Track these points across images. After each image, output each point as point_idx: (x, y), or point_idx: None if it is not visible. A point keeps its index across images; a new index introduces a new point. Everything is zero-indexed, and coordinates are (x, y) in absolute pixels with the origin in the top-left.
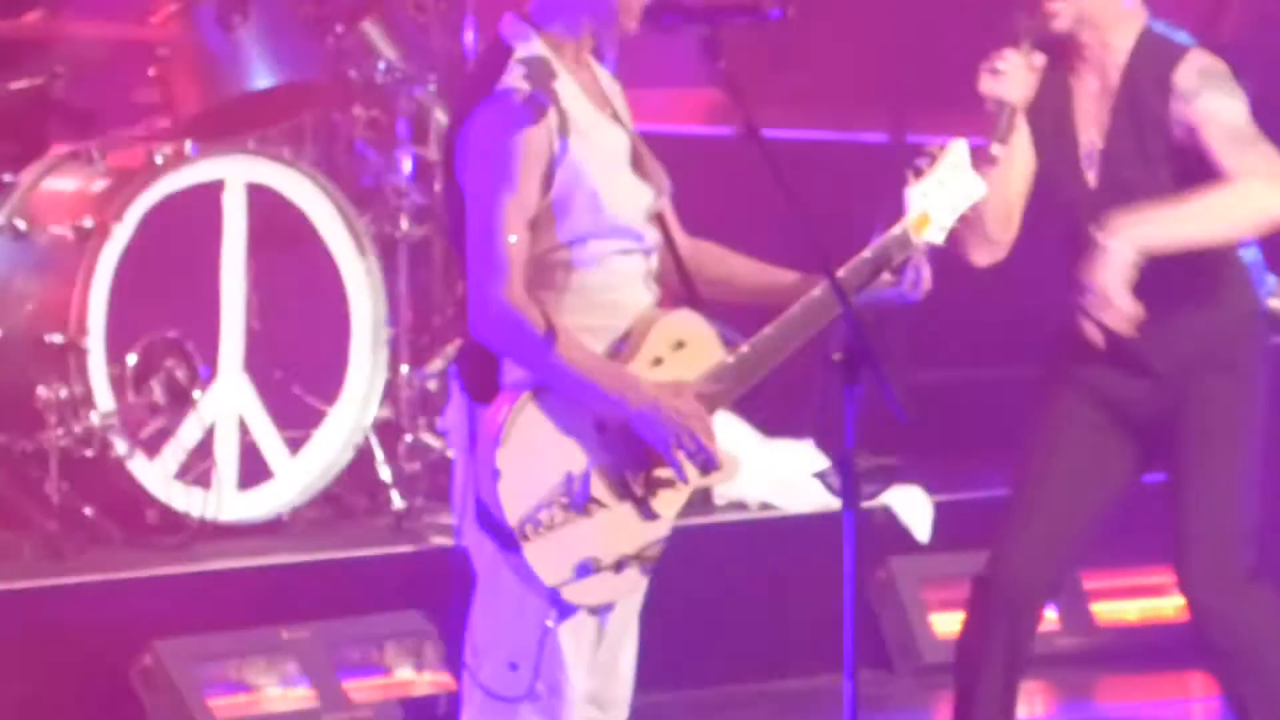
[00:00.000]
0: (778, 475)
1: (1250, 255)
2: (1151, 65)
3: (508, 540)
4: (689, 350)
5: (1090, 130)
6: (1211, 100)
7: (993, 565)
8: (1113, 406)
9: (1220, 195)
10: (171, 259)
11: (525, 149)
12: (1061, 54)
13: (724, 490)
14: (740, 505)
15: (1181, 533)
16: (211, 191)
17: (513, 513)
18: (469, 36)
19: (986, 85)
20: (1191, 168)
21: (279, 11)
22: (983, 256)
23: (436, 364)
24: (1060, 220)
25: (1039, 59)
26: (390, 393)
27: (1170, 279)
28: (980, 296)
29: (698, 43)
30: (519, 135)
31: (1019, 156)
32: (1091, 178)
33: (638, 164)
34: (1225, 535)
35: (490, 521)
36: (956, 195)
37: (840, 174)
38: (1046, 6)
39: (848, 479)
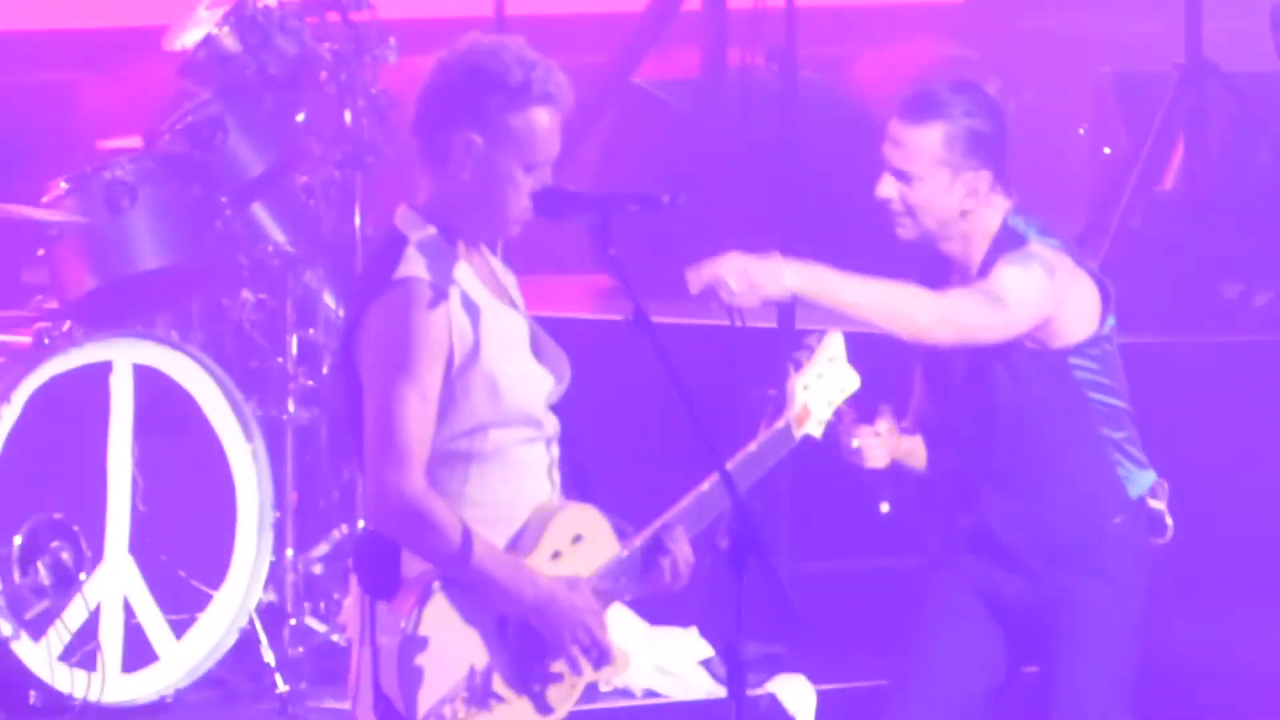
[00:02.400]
0: (663, 664)
1: (1133, 454)
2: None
3: None
4: (586, 544)
5: None
6: (1004, 264)
7: None
8: (991, 600)
9: (911, 293)
10: (58, 441)
11: (425, 337)
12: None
13: (610, 678)
14: (625, 693)
15: None
16: (99, 373)
17: (417, 706)
18: (358, 221)
19: (856, 460)
20: (1043, 364)
21: (167, 195)
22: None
23: (321, 548)
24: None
25: (884, 424)
26: (275, 576)
27: (1039, 477)
28: (865, 486)
29: (588, 230)
30: (418, 323)
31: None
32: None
33: (538, 350)
34: None
35: (392, 715)
36: (833, 389)
37: (730, 361)
38: (895, 221)
39: (733, 667)
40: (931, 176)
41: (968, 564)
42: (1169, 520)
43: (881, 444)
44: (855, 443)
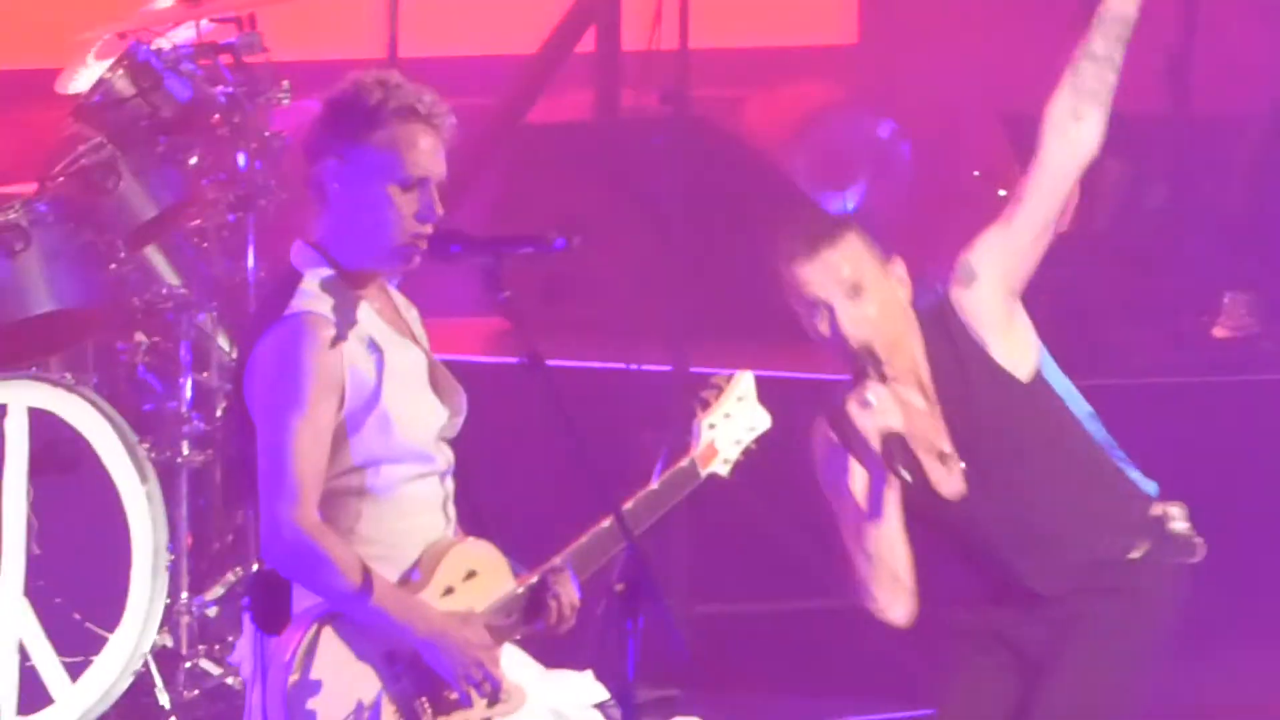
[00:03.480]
0: (557, 706)
1: (1149, 486)
2: (934, 327)
3: None
4: (480, 580)
5: (933, 447)
6: (988, 236)
7: None
8: (1014, 647)
9: None
10: None
11: (317, 371)
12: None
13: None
14: None
15: None
16: None
17: None
18: (251, 263)
19: (864, 421)
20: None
21: (60, 238)
22: (904, 612)
23: (216, 591)
24: (947, 545)
25: (891, 385)
26: (169, 619)
27: (1073, 524)
28: (759, 530)
29: (481, 272)
30: (309, 357)
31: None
32: (957, 488)
33: (435, 384)
34: None
35: None
36: (741, 428)
37: (624, 404)
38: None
39: (628, 711)
40: (875, 277)
41: (987, 619)
42: (1197, 540)
43: (893, 406)
44: (870, 395)
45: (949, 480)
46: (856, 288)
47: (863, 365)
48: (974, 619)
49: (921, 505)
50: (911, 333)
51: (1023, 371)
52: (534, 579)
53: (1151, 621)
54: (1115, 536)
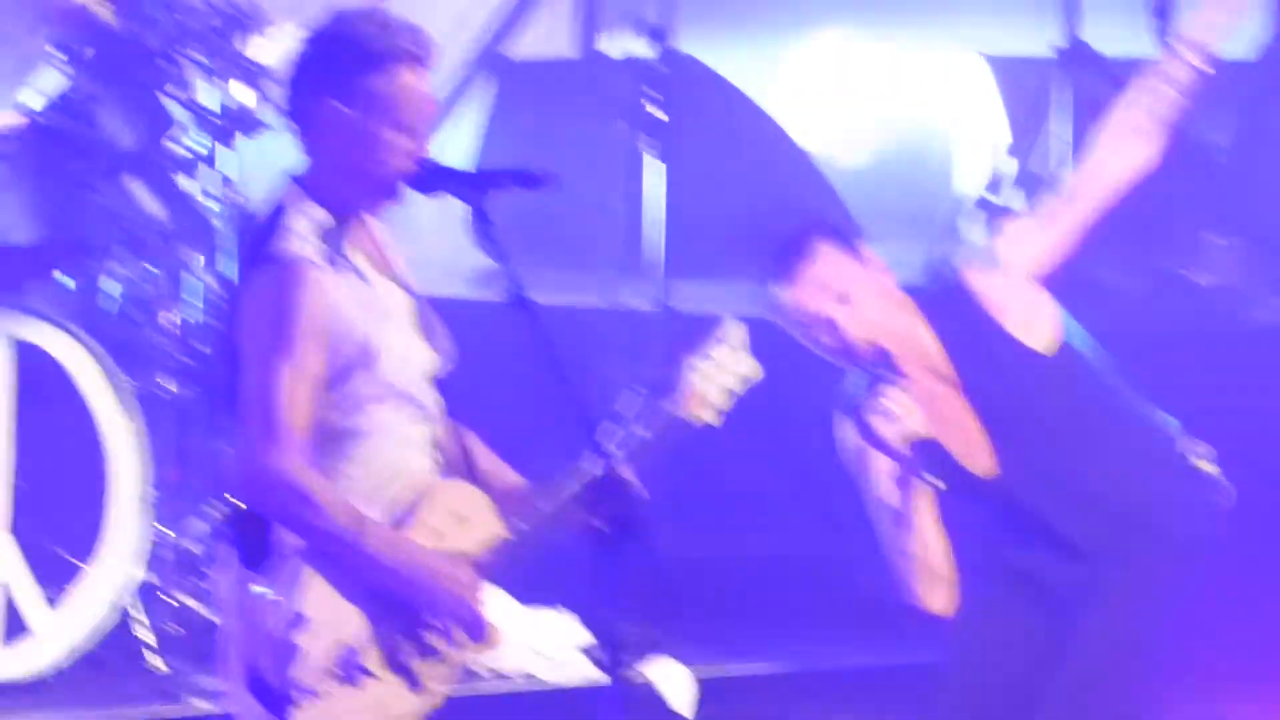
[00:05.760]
0: (538, 646)
1: (1174, 426)
2: (947, 307)
3: (278, 707)
4: (467, 522)
5: (961, 428)
6: (1023, 227)
7: None
8: (1046, 586)
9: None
10: None
11: (303, 314)
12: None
13: (485, 660)
14: (502, 676)
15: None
16: None
17: (287, 680)
18: (235, 195)
19: (890, 430)
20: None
21: (44, 167)
22: (946, 603)
23: (198, 526)
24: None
25: (908, 385)
26: (154, 555)
27: (1095, 472)
28: (741, 473)
29: (464, 208)
30: (297, 303)
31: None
32: (989, 465)
33: (422, 327)
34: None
35: (261, 687)
36: (730, 376)
37: (607, 343)
38: (853, 343)
39: (611, 651)
40: (859, 277)
41: (1024, 561)
42: (1225, 481)
43: (915, 410)
44: (891, 405)
45: (980, 458)
46: (844, 294)
47: (878, 370)
48: (1007, 560)
49: (957, 484)
50: (913, 318)
51: (1046, 346)
52: (522, 523)
53: (1182, 560)
54: (1150, 484)
